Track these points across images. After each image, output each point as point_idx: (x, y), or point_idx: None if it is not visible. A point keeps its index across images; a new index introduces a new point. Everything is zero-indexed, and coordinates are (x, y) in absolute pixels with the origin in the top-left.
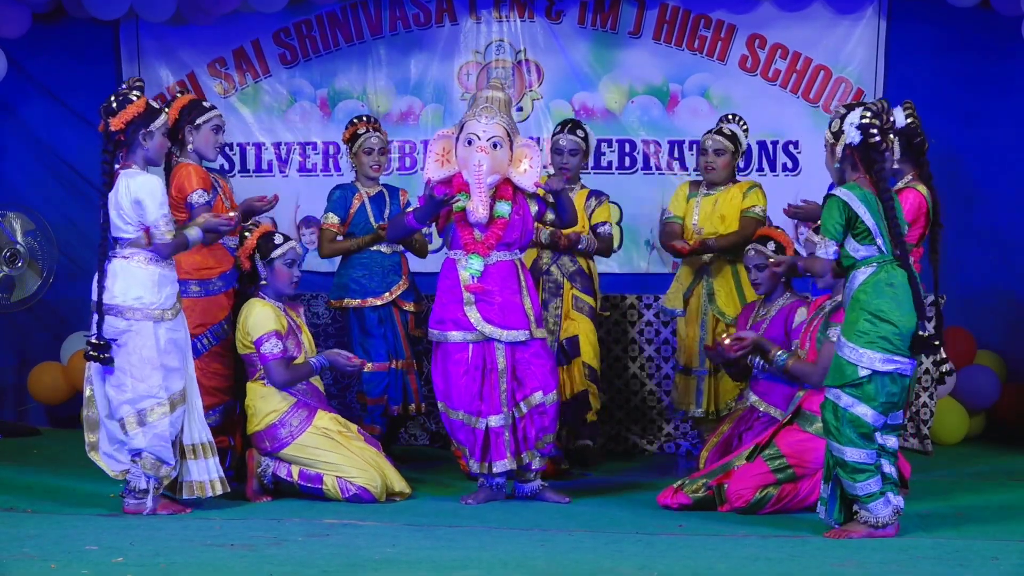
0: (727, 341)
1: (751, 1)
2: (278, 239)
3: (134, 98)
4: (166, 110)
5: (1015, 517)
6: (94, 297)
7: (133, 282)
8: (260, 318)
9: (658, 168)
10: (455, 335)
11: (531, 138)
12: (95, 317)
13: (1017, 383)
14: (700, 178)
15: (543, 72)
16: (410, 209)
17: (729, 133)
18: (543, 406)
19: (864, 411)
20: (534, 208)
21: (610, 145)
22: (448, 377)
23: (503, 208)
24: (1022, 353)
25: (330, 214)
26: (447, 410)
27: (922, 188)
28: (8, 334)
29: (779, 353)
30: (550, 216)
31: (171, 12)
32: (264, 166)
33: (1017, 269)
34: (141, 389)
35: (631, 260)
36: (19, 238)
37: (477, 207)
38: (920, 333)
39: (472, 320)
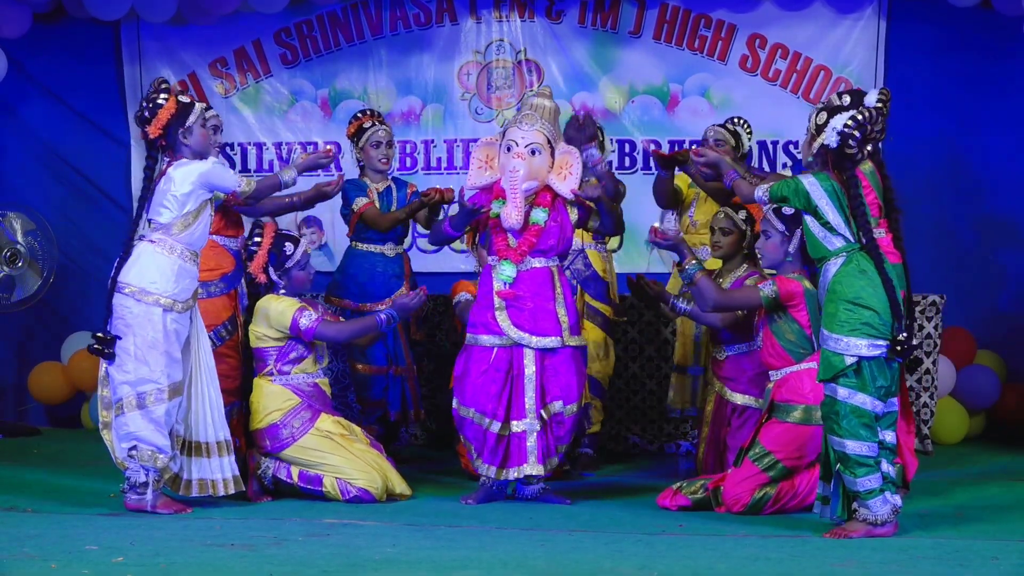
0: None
1: (751, 1)
2: (288, 248)
3: (163, 101)
4: (197, 100)
5: (1015, 517)
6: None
7: (152, 266)
8: (282, 305)
9: (658, 167)
10: (485, 339)
11: None
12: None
13: (1017, 383)
14: None
15: (543, 72)
16: (447, 216)
17: (731, 129)
18: (561, 416)
19: (863, 399)
20: (574, 216)
21: (610, 145)
22: (467, 374)
23: (539, 215)
24: (1022, 353)
25: (358, 198)
26: (459, 406)
27: (866, 166)
28: (8, 334)
29: (693, 263)
30: (594, 223)
31: (172, 12)
32: (265, 166)
33: (1017, 269)
34: (143, 372)
35: (631, 260)
36: (19, 238)
37: (511, 213)
38: (897, 336)
39: (502, 326)
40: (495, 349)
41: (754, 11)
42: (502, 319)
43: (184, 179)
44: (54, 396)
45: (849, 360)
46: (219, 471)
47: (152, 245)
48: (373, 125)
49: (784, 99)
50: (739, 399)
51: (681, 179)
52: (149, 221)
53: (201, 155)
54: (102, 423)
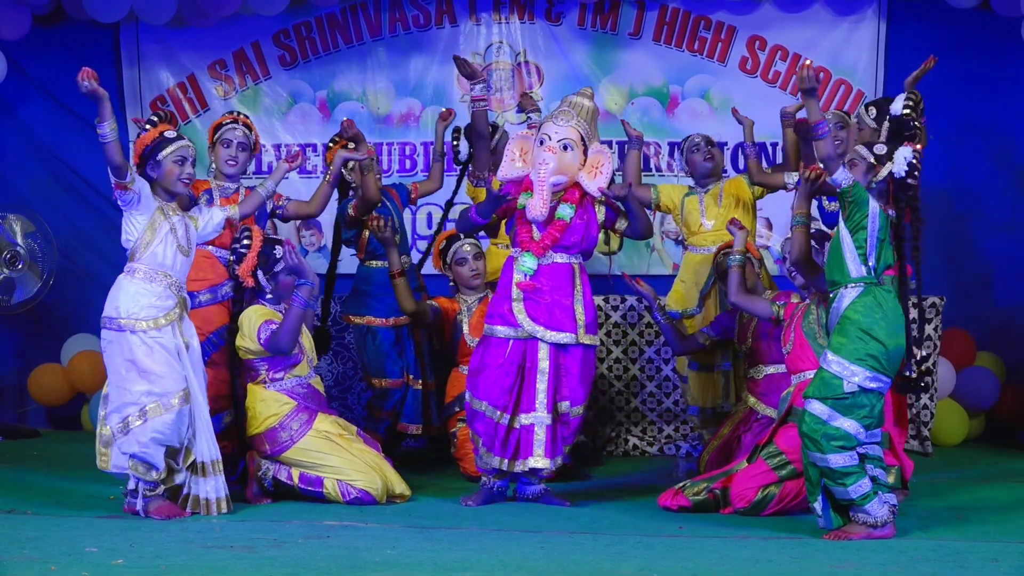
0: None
1: (751, 2)
2: (277, 251)
3: (143, 132)
4: (180, 137)
5: (1015, 518)
6: None
7: (116, 292)
8: (254, 318)
9: (658, 170)
10: (500, 330)
11: None
12: None
13: (1017, 384)
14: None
15: (543, 74)
16: (386, 231)
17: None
18: (567, 416)
19: (847, 424)
20: (601, 215)
21: (610, 147)
22: (482, 366)
23: (565, 211)
24: (1022, 354)
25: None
26: (471, 399)
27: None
28: (8, 336)
29: (738, 256)
30: (622, 225)
31: (171, 14)
32: (264, 168)
33: (1016, 271)
34: (124, 397)
35: (631, 262)
36: (19, 240)
37: (536, 205)
38: (905, 374)
39: (518, 317)
40: (511, 342)
41: (754, 13)
42: (518, 310)
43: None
44: (54, 398)
45: (848, 387)
46: (214, 491)
47: (123, 275)
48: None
49: (784, 101)
50: (771, 412)
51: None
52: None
53: (166, 191)
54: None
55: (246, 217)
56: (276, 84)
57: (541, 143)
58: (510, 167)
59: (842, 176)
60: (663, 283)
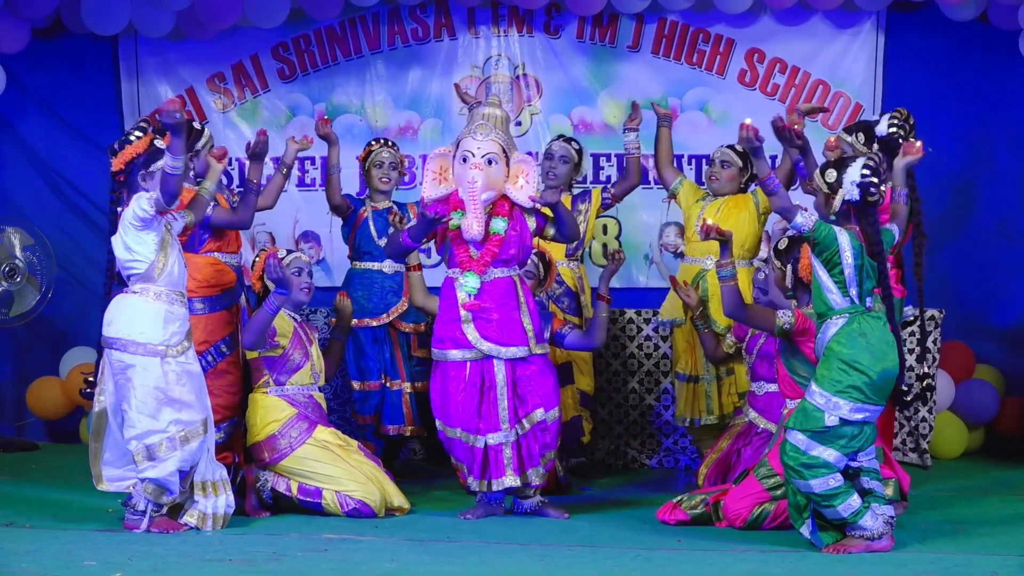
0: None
1: (750, 15)
2: (281, 254)
3: (134, 139)
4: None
5: (1014, 531)
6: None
7: (137, 316)
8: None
9: (657, 183)
10: (454, 353)
11: (529, 153)
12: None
13: (1016, 397)
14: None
15: (542, 87)
16: (405, 227)
17: (740, 149)
18: (544, 423)
19: (827, 453)
20: (532, 223)
21: (609, 160)
22: (446, 394)
23: (499, 225)
24: (1021, 367)
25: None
26: (444, 428)
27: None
28: (7, 349)
29: (730, 267)
30: (550, 231)
31: (170, 27)
32: (263, 181)
33: (1016, 283)
34: (148, 424)
35: (630, 275)
36: (18, 253)
37: (471, 224)
38: (903, 388)
39: (470, 338)
40: (468, 364)
41: (752, 25)
42: (470, 332)
43: (126, 218)
44: (52, 411)
45: (830, 420)
46: (214, 508)
47: (135, 296)
48: (380, 147)
49: (783, 114)
50: (772, 426)
51: (692, 190)
52: (129, 278)
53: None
54: (95, 477)
55: (198, 221)
56: (275, 97)
57: (464, 160)
58: (433, 187)
59: (802, 220)
60: (660, 295)
